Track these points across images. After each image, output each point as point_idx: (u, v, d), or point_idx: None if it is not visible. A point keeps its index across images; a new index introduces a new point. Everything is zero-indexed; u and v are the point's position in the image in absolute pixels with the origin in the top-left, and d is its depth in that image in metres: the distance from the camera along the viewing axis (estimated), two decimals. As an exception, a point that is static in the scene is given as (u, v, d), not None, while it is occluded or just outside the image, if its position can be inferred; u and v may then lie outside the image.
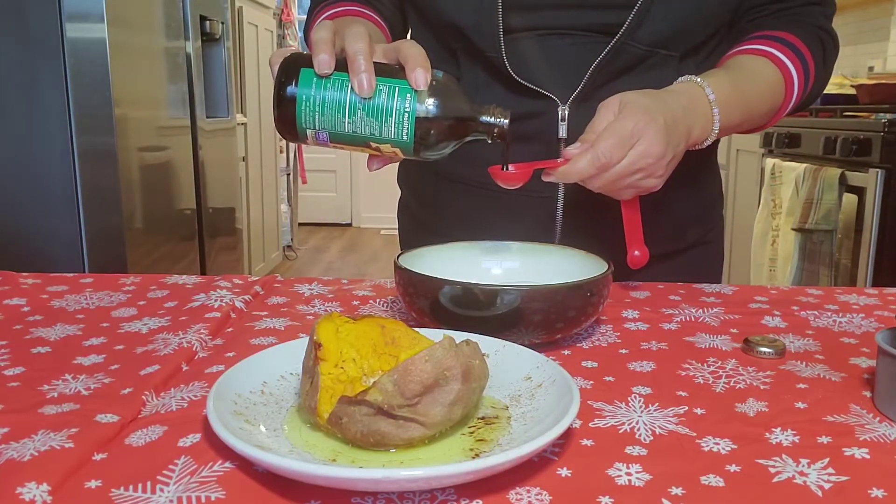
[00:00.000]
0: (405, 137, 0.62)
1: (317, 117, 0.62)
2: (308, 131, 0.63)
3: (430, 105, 0.61)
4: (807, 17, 0.86)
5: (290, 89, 0.62)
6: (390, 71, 0.62)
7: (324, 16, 0.87)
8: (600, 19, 0.79)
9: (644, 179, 0.70)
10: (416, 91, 0.61)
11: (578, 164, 0.67)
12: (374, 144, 0.63)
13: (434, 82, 0.62)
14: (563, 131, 0.83)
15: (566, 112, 0.82)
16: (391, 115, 0.61)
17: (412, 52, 0.62)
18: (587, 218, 0.85)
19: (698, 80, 0.76)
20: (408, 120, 0.61)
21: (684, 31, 0.81)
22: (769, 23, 0.85)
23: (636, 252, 0.78)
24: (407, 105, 0.61)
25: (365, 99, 0.61)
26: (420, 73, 0.61)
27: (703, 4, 0.80)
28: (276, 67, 0.63)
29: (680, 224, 0.92)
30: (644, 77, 0.81)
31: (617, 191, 0.72)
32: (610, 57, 0.80)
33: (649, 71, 0.82)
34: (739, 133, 0.87)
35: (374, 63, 0.62)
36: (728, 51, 0.85)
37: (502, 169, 0.70)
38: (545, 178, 0.70)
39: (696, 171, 0.92)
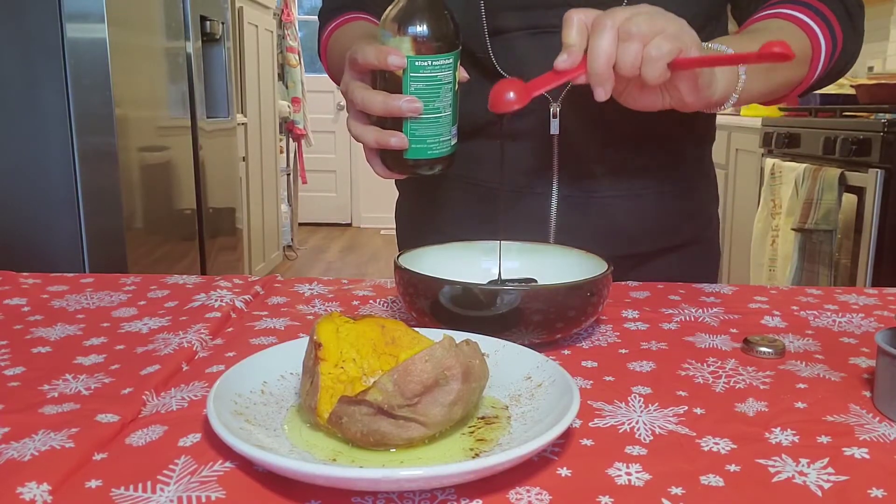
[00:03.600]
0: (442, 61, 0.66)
1: (430, 140, 0.68)
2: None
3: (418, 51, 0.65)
4: None
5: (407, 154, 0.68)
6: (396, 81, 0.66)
7: (334, 23, 0.90)
8: None
9: (671, 23, 0.61)
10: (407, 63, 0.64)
11: (601, 43, 0.59)
12: (454, 90, 0.68)
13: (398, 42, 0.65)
14: (554, 128, 0.83)
15: (557, 109, 0.83)
16: (430, 76, 0.65)
17: (367, 55, 0.65)
18: (581, 214, 0.85)
19: (703, 44, 0.68)
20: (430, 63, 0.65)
21: None
22: None
23: (776, 49, 0.55)
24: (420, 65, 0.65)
25: (424, 104, 0.65)
26: (392, 59, 0.63)
27: None
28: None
29: (674, 221, 0.92)
30: None
31: (657, 51, 0.59)
32: None
33: None
34: (767, 101, 0.80)
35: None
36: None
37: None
38: (598, 97, 0.62)
39: (690, 167, 0.92)
